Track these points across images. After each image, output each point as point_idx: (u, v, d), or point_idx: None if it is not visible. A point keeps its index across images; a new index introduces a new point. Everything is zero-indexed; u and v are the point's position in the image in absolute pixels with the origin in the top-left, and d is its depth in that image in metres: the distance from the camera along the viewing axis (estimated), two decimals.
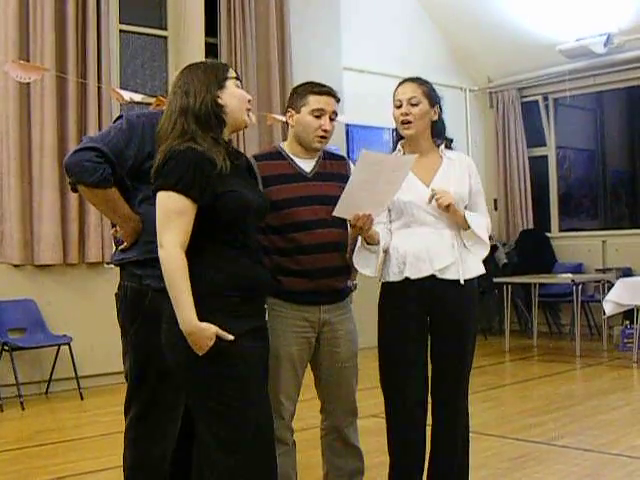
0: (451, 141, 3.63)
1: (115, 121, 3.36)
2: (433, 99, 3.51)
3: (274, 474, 2.85)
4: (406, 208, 3.43)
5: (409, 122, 3.46)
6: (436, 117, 3.53)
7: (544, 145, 11.39)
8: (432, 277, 3.40)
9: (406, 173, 3.26)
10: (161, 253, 2.68)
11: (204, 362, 2.69)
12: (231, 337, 2.69)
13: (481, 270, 3.53)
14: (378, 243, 3.38)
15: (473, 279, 3.50)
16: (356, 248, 3.41)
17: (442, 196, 3.34)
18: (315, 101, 3.42)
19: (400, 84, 3.55)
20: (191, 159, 2.71)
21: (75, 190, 3.28)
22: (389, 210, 3.47)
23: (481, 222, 3.51)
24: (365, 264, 3.42)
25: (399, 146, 3.58)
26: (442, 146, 3.57)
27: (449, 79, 11.03)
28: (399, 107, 3.48)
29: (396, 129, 3.58)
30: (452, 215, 3.41)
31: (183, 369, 2.77)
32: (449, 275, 3.42)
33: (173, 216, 2.68)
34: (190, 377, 2.77)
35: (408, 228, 3.46)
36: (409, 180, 3.36)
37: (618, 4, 9.50)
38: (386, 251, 3.47)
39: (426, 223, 3.43)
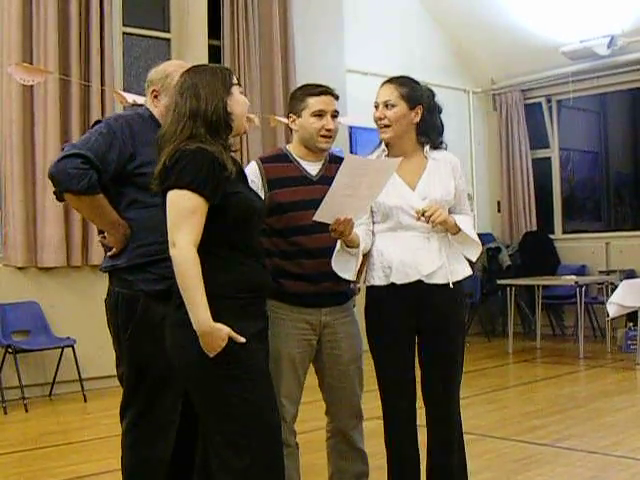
0: (440, 143, 3.53)
1: (92, 126, 3.33)
2: (413, 101, 3.40)
3: (283, 475, 2.86)
4: (392, 212, 3.37)
5: (386, 126, 3.40)
6: (418, 119, 3.42)
7: (547, 147, 11.37)
8: (419, 282, 3.35)
9: (389, 177, 3.19)
10: (174, 252, 2.66)
11: (215, 363, 2.68)
12: (243, 339, 2.69)
13: (468, 272, 3.49)
14: (358, 246, 3.30)
15: (460, 281, 3.45)
16: (335, 251, 3.33)
17: (433, 212, 3.24)
18: (314, 103, 3.44)
19: (381, 85, 3.47)
20: (203, 159, 2.71)
21: (61, 199, 3.25)
22: (372, 212, 3.42)
23: (469, 223, 3.46)
24: (344, 267, 3.34)
25: (382, 145, 3.50)
26: (427, 147, 3.48)
27: (452, 81, 11.04)
28: (376, 109, 3.43)
29: None
30: (445, 226, 3.35)
31: (192, 371, 2.76)
32: (436, 279, 3.37)
33: (187, 215, 2.67)
34: (200, 379, 2.76)
35: (394, 232, 3.39)
36: (394, 184, 3.32)
37: (622, 6, 9.49)
38: (367, 254, 3.43)
39: (412, 227, 3.35)
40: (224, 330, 2.66)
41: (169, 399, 3.20)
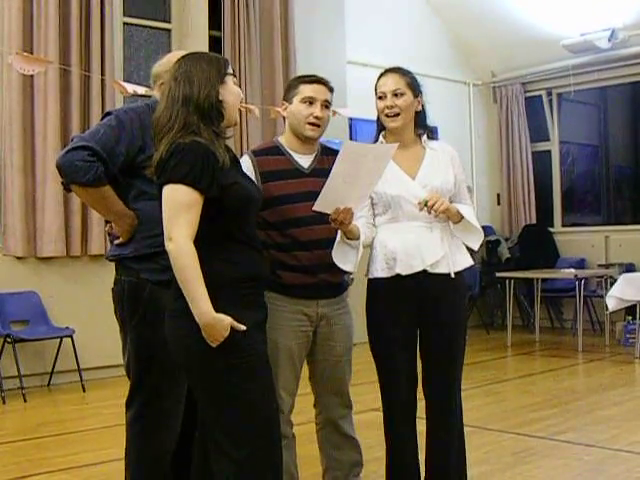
0: (433, 131, 3.57)
1: (102, 118, 3.35)
2: (416, 89, 3.46)
3: (281, 467, 2.86)
4: (394, 202, 3.37)
5: (396, 114, 3.41)
6: (420, 108, 3.48)
7: (547, 140, 11.38)
8: (423, 272, 3.35)
9: (387, 162, 3.18)
10: (171, 247, 2.66)
11: (217, 354, 2.69)
12: (243, 327, 2.70)
13: (469, 262, 3.50)
14: (358, 238, 3.31)
15: (462, 272, 3.46)
16: (335, 243, 3.33)
17: (436, 201, 3.24)
18: (305, 89, 3.48)
19: (382, 75, 3.49)
20: (197, 152, 2.71)
21: (69, 190, 3.27)
22: (373, 204, 3.43)
23: (471, 211, 3.47)
24: (344, 259, 3.34)
25: (381, 137, 3.52)
26: (424, 137, 3.52)
27: (453, 73, 11.04)
28: (382, 99, 3.43)
29: (378, 120, 3.52)
30: (447, 214, 3.35)
31: (194, 362, 2.76)
32: (440, 269, 3.38)
33: (182, 209, 2.68)
34: (201, 369, 2.76)
35: (396, 222, 3.40)
36: (395, 174, 3.33)
37: None
38: (367, 246, 3.43)
39: (415, 217, 3.35)
40: (226, 320, 2.66)
41: (174, 389, 3.21)
